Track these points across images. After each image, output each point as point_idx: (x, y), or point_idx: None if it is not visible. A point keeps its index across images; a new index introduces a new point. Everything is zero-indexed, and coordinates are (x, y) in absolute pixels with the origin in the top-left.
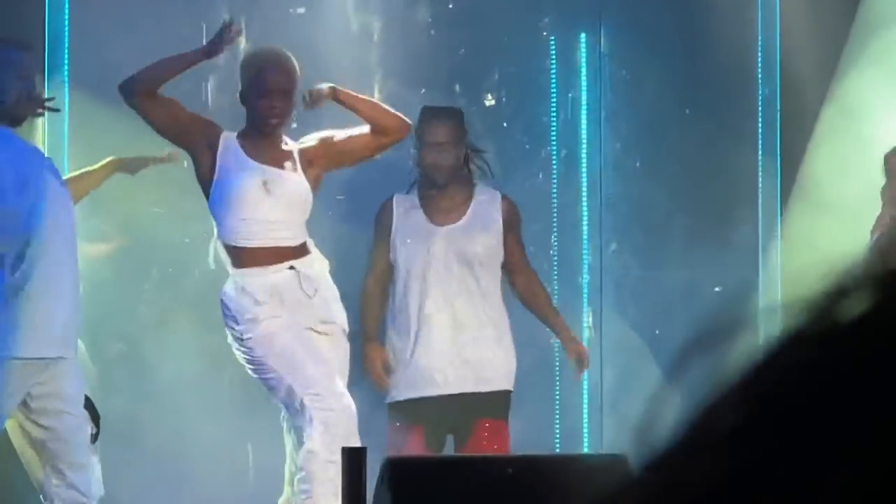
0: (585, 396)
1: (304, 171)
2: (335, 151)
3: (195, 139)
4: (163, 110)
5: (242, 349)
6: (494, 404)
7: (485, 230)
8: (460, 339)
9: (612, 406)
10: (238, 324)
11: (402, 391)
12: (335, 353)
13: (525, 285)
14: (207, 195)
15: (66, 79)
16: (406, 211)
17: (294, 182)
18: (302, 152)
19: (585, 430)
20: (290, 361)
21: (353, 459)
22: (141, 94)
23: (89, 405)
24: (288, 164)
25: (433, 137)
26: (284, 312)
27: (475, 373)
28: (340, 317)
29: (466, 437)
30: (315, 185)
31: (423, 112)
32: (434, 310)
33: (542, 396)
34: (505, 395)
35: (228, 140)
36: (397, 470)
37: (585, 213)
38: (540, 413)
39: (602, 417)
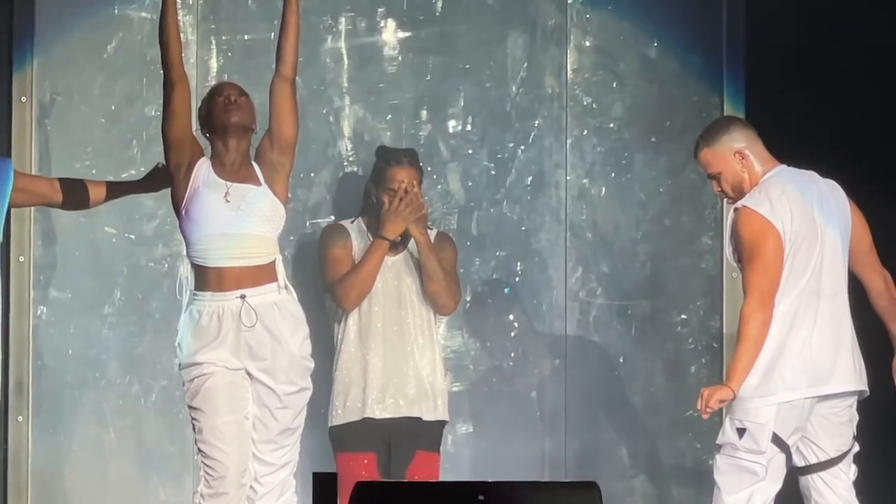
0: (547, 422)
1: (268, 182)
2: (273, 132)
3: (185, 156)
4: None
5: (183, 381)
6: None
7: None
8: (404, 368)
9: (574, 433)
10: (181, 365)
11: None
12: (265, 403)
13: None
14: (179, 216)
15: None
16: (356, 237)
17: (256, 193)
18: (257, 159)
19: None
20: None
21: (325, 485)
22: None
23: None
24: (252, 178)
25: (394, 183)
26: (221, 349)
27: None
28: (285, 352)
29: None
30: (283, 195)
31: (384, 153)
32: (380, 336)
33: (503, 422)
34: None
35: (203, 162)
36: (367, 495)
37: (550, 240)
38: (503, 438)
39: (566, 443)
